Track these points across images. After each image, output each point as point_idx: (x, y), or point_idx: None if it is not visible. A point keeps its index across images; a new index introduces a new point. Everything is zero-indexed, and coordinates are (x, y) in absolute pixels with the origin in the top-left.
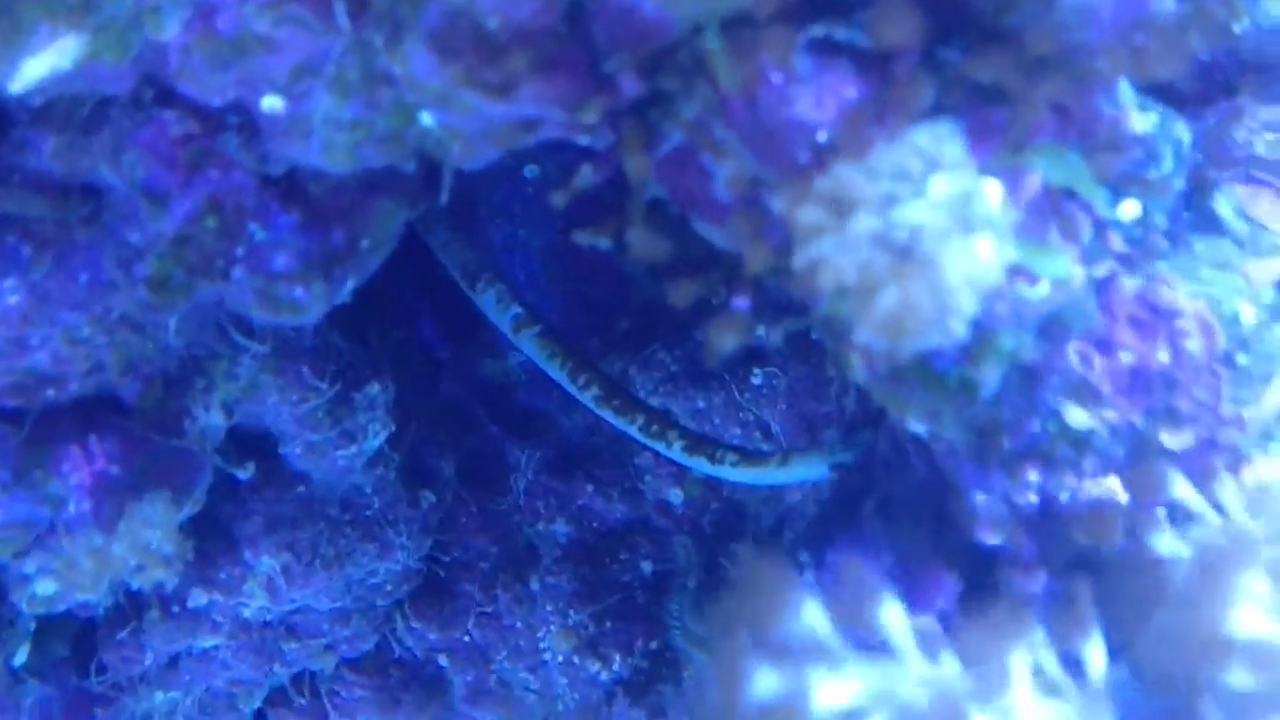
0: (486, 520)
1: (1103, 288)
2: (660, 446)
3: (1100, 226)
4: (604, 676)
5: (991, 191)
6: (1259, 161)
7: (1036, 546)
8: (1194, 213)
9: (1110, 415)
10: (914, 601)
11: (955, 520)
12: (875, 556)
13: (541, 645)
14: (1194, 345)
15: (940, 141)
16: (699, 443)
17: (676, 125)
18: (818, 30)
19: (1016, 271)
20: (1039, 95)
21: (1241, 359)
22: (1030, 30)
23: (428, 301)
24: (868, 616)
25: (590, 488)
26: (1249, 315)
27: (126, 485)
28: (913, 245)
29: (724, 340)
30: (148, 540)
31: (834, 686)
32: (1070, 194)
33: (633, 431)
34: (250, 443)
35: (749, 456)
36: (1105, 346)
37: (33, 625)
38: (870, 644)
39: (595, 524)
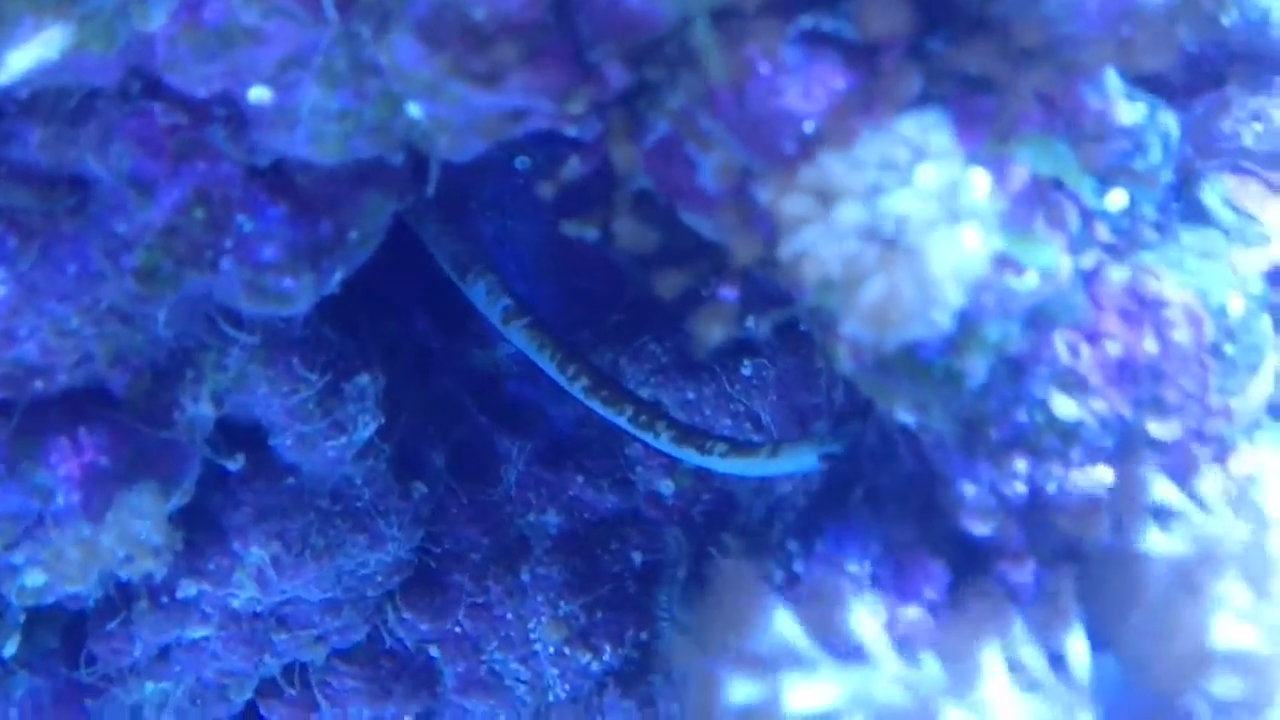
0: (477, 511)
1: (1090, 278)
2: (649, 437)
3: (1087, 217)
4: (595, 667)
5: (978, 181)
6: (1247, 152)
7: (1025, 536)
8: (1182, 203)
9: (1098, 406)
10: (902, 591)
11: (943, 510)
12: (863, 547)
13: (532, 636)
14: (1181, 336)
15: (926, 131)
16: (688, 434)
17: (663, 116)
18: (806, 21)
19: (1003, 262)
20: (1026, 86)
21: (1229, 349)
22: (1017, 21)
23: (419, 293)
24: (840, 622)
25: (581, 479)
26: (1236, 306)
27: (115, 476)
28: (898, 235)
29: (711, 331)
30: (136, 531)
31: (808, 690)
32: (1057, 184)
33: (622, 422)
34: (240, 434)
35: (738, 447)
36: (1093, 337)
37: (22, 617)
38: (846, 649)
39: (586, 515)
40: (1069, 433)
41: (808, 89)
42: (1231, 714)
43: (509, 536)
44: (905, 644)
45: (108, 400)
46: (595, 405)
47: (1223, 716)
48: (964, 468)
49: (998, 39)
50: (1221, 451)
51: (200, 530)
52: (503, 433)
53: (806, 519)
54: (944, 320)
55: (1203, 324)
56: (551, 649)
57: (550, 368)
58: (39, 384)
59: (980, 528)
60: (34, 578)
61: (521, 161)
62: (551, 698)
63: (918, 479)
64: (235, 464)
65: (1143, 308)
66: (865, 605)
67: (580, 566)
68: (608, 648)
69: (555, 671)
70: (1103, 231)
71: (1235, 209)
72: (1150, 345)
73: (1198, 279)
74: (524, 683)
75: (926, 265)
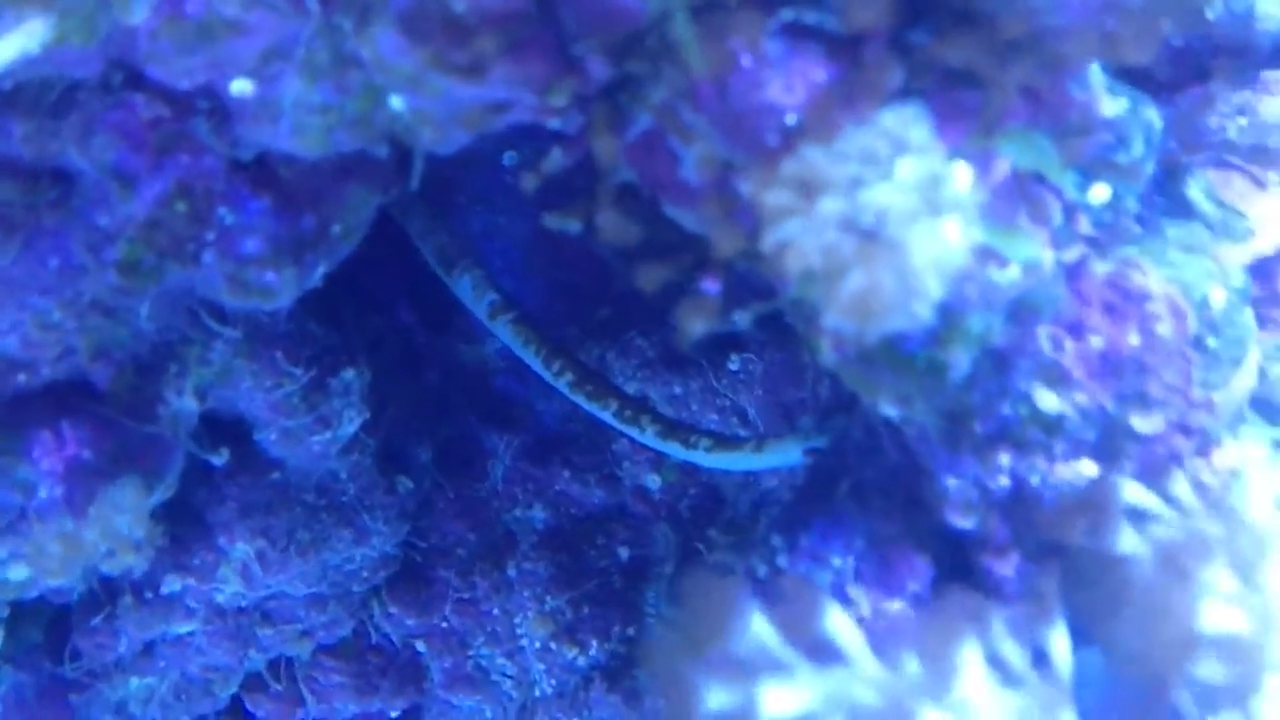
0: (464, 506)
1: (1074, 272)
2: (634, 432)
3: (1070, 210)
4: (581, 662)
5: (960, 174)
6: (1231, 146)
7: (1009, 530)
8: (1166, 197)
9: (1081, 399)
10: (886, 586)
11: (928, 504)
12: (847, 541)
13: (519, 631)
14: (1164, 329)
15: (907, 124)
16: (673, 428)
17: (645, 109)
18: (787, 14)
19: (985, 254)
20: (1009, 79)
21: (1211, 343)
22: (1001, 13)
23: (405, 288)
24: (816, 624)
25: (568, 474)
26: (1219, 299)
27: (98, 471)
28: (879, 228)
29: (694, 324)
30: (118, 526)
31: (784, 695)
32: (1040, 178)
33: (607, 417)
34: (225, 428)
35: (723, 441)
36: (1076, 330)
37: (6, 612)
38: (823, 651)
39: (573, 510)
40: (1052, 426)
41: (789, 82)
42: (1217, 702)
43: (496, 532)
44: (884, 643)
45: (91, 394)
46: (580, 400)
47: (1208, 709)
48: (947, 461)
49: (981, 32)
50: (1204, 445)
51: (185, 525)
52: (490, 428)
53: (791, 513)
54: (924, 312)
55: (1185, 317)
56: (538, 644)
57: (536, 363)
58: (21, 378)
59: (963, 521)
60: (17, 572)
61: (510, 157)
62: (538, 693)
63: (902, 473)
64: (220, 458)
65: (1126, 301)
66: (843, 605)
67: (567, 562)
68: (594, 643)
69: (542, 667)
70: (1085, 225)
71: (1219, 203)
72: (1133, 338)
73: (1181, 272)
74: (510, 678)
75: (907, 257)
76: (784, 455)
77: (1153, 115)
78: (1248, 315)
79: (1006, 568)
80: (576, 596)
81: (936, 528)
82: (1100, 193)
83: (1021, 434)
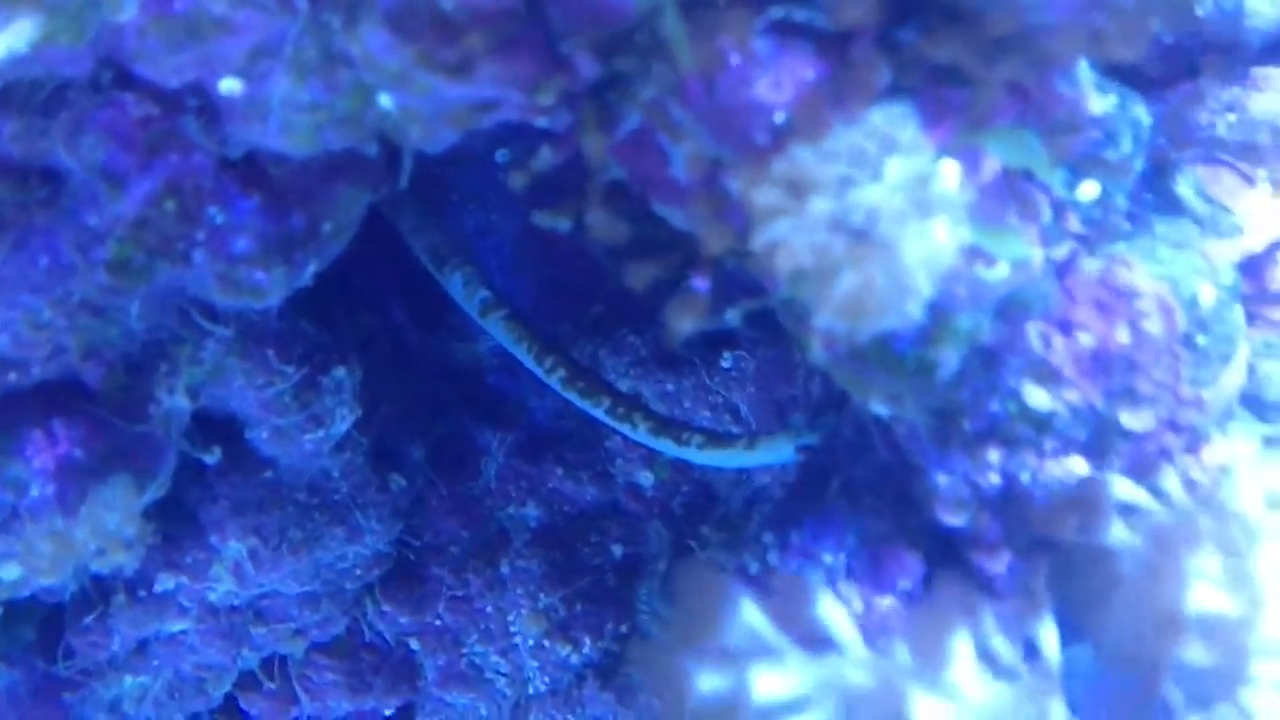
0: (457, 504)
1: (1063, 269)
2: (626, 428)
3: (1059, 208)
4: (574, 660)
5: (948, 173)
6: (1220, 143)
7: (1000, 527)
8: (1155, 194)
9: (1071, 396)
10: (877, 583)
11: (918, 502)
12: (838, 539)
13: (512, 629)
14: (1154, 326)
15: (895, 124)
16: (665, 425)
17: (634, 106)
18: (777, 11)
19: (974, 253)
20: (997, 76)
21: (1201, 340)
22: (989, 11)
23: (397, 286)
24: (808, 610)
25: (561, 471)
26: (1208, 296)
27: (89, 469)
28: (869, 227)
29: (683, 322)
30: (109, 524)
31: (775, 679)
32: (1029, 175)
33: (599, 414)
34: (216, 427)
35: (715, 439)
36: (1065, 327)
37: None
38: (814, 637)
39: (566, 507)
40: (1042, 423)
41: (778, 80)
42: (1206, 691)
43: (489, 529)
44: (875, 631)
45: (82, 393)
46: (572, 397)
47: (1197, 698)
48: (938, 458)
49: (968, 29)
50: (1194, 442)
51: (177, 524)
52: (482, 425)
53: (783, 511)
54: (916, 311)
55: (1175, 314)
56: (531, 641)
57: (528, 360)
58: (12, 376)
59: (954, 519)
60: (9, 571)
61: (503, 155)
62: (531, 690)
63: (893, 470)
64: (212, 457)
65: (1115, 298)
66: (835, 594)
67: (560, 559)
68: (587, 640)
69: (535, 664)
70: (1075, 222)
71: (1208, 199)
72: (1123, 336)
73: (1170, 269)
74: (504, 675)
75: (898, 257)
76: (776, 452)
77: (1141, 112)
78: (1237, 312)
79: (998, 565)
80: (570, 594)
81: (927, 525)
82: (1089, 190)
83: (1011, 431)
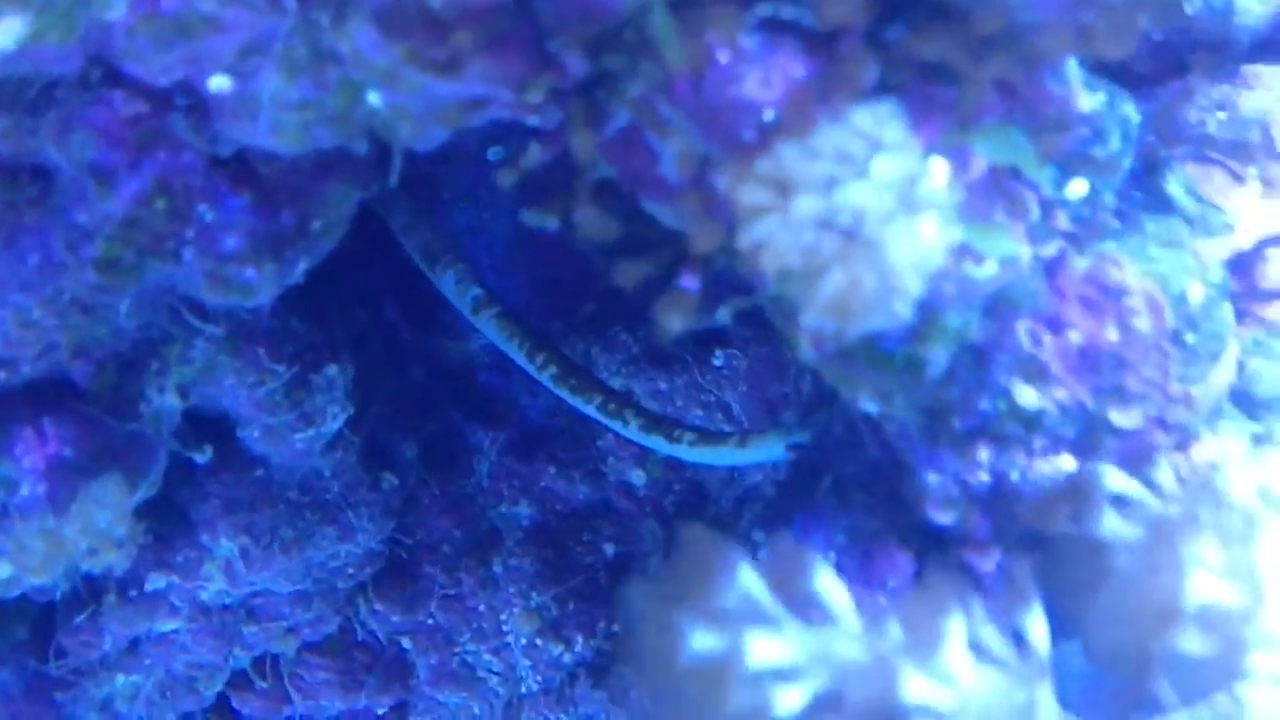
0: (449, 502)
1: (1052, 267)
2: (618, 425)
3: (1048, 206)
4: (567, 658)
5: (936, 172)
6: (1210, 140)
7: (990, 525)
8: (1144, 192)
9: (1060, 394)
10: (867, 581)
11: (909, 500)
12: (829, 536)
13: (505, 628)
14: (1142, 324)
15: (882, 123)
16: (656, 422)
17: (623, 104)
18: (765, 8)
19: (962, 251)
20: (985, 74)
21: (1190, 338)
22: (977, 8)
23: (389, 284)
24: (803, 584)
25: (553, 470)
26: (1197, 294)
27: (80, 468)
28: (856, 227)
29: (672, 320)
30: (100, 523)
31: (769, 645)
32: (1017, 173)
33: (591, 410)
34: (208, 425)
35: (706, 436)
36: (1055, 325)
37: None
38: (810, 612)
39: (558, 506)
40: (1031, 421)
41: (766, 77)
42: (1198, 682)
43: (481, 528)
44: (869, 612)
45: (72, 392)
46: (564, 394)
47: (1190, 693)
48: (927, 456)
49: (956, 27)
50: (1183, 439)
51: (168, 523)
52: (475, 424)
53: (774, 509)
54: (904, 311)
55: (1163, 312)
56: (524, 640)
57: (519, 356)
58: (2, 375)
59: (944, 516)
60: (0, 570)
61: (495, 152)
62: (524, 689)
63: (883, 468)
64: (203, 456)
65: (1104, 296)
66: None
67: (552, 558)
68: (579, 639)
69: (527, 663)
70: (1063, 220)
71: (1198, 197)
72: (1112, 333)
73: (1159, 267)
74: (496, 674)
75: (886, 256)
76: (767, 450)
77: (1130, 110)
78: (1226, 310)
79: (987, 563)
80: (562, 592)
81: (918, 523)
82: (1078, 188)
83: (1001, 429)
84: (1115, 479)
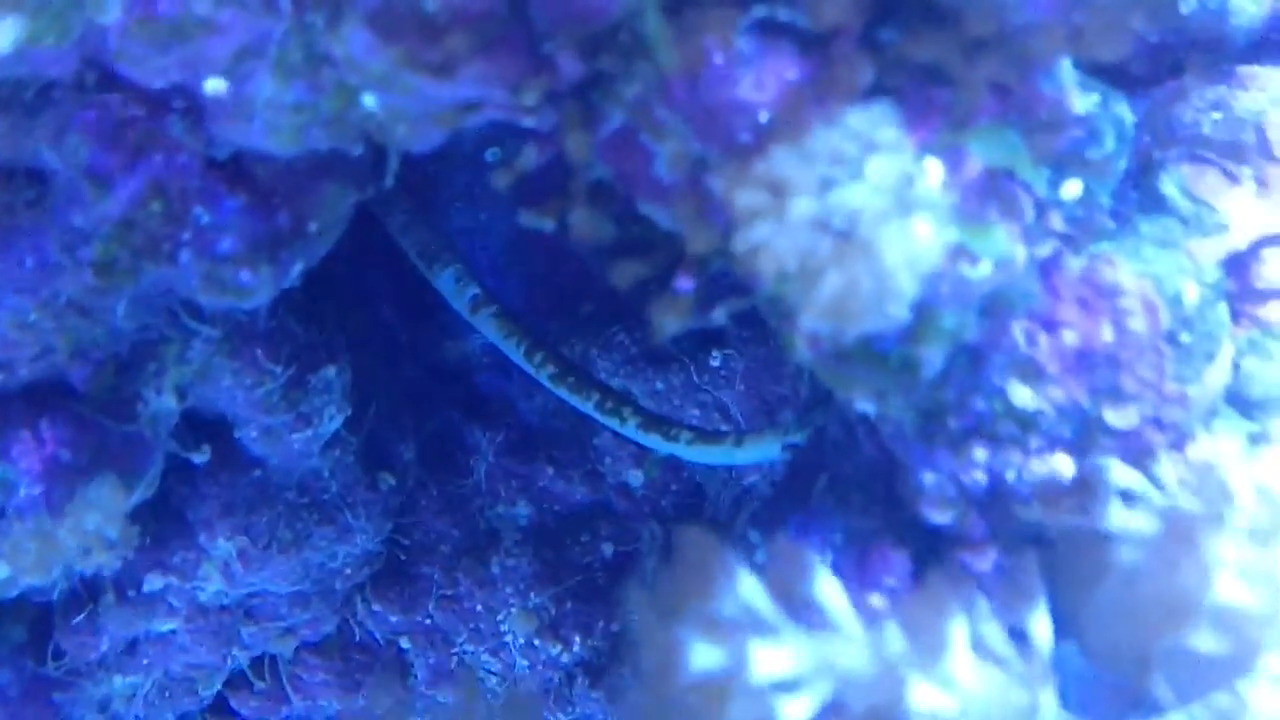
0: (447, 503)
1: (1047, 267)
2: (615, 424)
3: (1042, 206)
4: (564, 658)
5: (931, 173)
6: (1205, 141)
7: (987, 525)
8: (1139, 192)
9: (1055, 394)
10: (864, 580)
11: (905, 500)
12: (825, 537)
13: (502, 628)
14: (1138, 324)
15: (876, 124)
16: (654, 421)
17: (618, 106)
18: (760, 10)
19: (957, 252)
20: (979, 76)
21: (1185, 337)
22: (970, 10)
23: (387, 284)
24: (804, 590)
25: (551, 470)
26: (1192, 294)
27: (77, 470)
28: (851, 229)
29: (667, 321)
30: (94, 525)
31: (772, 657)
32: (1011, 174)
33: (588, 409)
34: (206, 426)
35: (703, 435)
36: (1050, 325)
37: None
38: (811, 618)
39: (556, 506)
40: (1027, 421)
41: (761, 79)
42: (1200, 680)
43: (479, 528)
44: (870, 617)
45: (69, 394)
46: (562, 392)
47: (1190, 687)
48: (923, 456)
49: (951, 28)
50: (1178, 439)
51: (166, 523)
52: (472, 424)
53: (770, 509)
54: (900, 312)
55: (1159, 312)
56: (521, 640)
57: (517, 356)
58: (0, 377)
59: (940, 517)
60: None
61: (493, 154)
62: (522, 689)
63: (879, 468)
64: (201, 456)
65: (1099, 296)
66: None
67: (550, 558)
68: (577, 639)
69: (525, 663)
70: (1058, 221)
71: (1193, 198)
72: (1107, 333)
73: (1154, 267)
74: (494, 674)
75: (881, 257)
76: (763, 450)
77: (1125, 110)
78: (1221, 310)
79: (984, 563)
80: (560, 592)
81: (914, 523)
82: (1072, 188)
83: (996, 429)
84: (1121, 474)
